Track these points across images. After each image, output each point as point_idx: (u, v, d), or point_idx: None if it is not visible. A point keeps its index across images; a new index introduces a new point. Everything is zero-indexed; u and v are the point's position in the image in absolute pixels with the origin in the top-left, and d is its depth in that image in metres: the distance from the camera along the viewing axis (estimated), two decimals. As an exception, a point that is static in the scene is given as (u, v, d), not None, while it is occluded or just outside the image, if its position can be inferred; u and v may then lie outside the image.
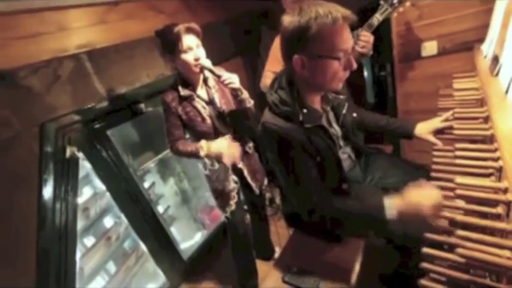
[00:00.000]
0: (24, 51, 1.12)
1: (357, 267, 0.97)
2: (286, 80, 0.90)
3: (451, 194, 0.67)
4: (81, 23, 1.30)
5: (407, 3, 1.29)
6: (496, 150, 0.72)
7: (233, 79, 1.19)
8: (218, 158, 1.24)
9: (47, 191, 1.20)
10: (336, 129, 1.07)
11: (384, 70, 1.84)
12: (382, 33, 1.56)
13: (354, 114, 1.11)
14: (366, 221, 0.88)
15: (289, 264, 1.05)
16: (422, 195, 0.75)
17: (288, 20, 0.79)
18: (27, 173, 1.15)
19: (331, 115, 1.05)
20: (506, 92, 0.79)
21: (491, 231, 0.61)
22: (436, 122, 1.06)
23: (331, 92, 1.00)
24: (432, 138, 1.05)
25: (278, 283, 1.00)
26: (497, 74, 0.91)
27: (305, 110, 0.88)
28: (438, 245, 0.65)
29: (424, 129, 1.08)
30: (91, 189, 1.63)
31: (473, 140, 0.88)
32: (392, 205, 0.80)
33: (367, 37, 1.32)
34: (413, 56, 1.61)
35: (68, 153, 1.26)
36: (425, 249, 0.61)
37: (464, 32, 1.45)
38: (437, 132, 1.05)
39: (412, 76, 1.67)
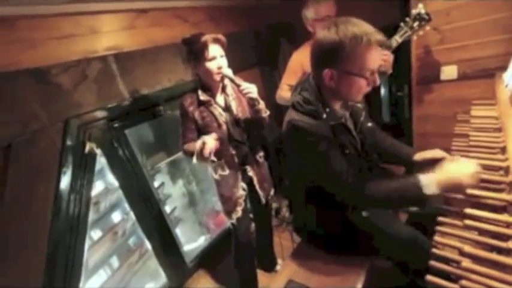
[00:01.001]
0: (57, 51, 1.20)
1: (359, 286, 0.96)
2: (311, 84, 0.95)
3: (460, 223, 0.66)
4: (111, 27, 1.38)
5: (427, 27, 1.29)
6: (511, 183, 0.70)
7: (251, 89, 1.23)
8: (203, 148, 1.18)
9: (64, 183, 1.26)
10: (355, 136, 1.07)
11: (401, 91, 1.83)
12: (401, 54, 1.56)
13: (369, 124, 1.13)
14: (405, 199, 0.86)
15: (291, 278, 1.05)
16: (460, 167, 0.78)
17: (324, 34, 0.84)
18: (48, 165, 1.21)
19: (350, 122, 1.07)
20: (525, 124, 0.78)
21: (502, 266, 0.60)
22: (436, 152, 1.00)
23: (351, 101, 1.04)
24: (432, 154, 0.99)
25: (278, 296, 1.00)
26: (517, 105, 0.90)
27: (328, 109, 0.94)
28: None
29: (422, 154, 1.02)
30: (103, 184, 1.68)
31: (487, 169, 0.86)
32: (430, 181, 0.79)
33: (387, 56, 1.33)
34: (432, 79, 1.60)
35: (87, 148, 1.32)
36: (429, 277, 0.61)
37: (486, 58, 1.43)
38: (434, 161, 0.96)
39: (429, 99, 1.66)
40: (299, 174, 1.07)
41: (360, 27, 0.80)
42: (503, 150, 0.90)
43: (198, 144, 1.21)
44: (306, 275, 1.04)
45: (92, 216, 1.52)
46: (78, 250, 1.34)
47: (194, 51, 1.20)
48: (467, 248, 0.57)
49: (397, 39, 1.30)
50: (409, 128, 1.81)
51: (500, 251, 0.63)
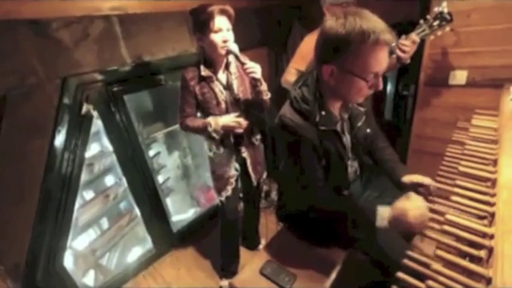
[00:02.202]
0: (59, 4, 1.16)
1: (334, 275, 1.00)
2: (313, 80, 0.91)
3: (437, 226, 0.67)
4: (118, -15, 1.32)
5: (448, 28, 1.23)
6: (494, 195, 0.72)
7: (256, 69, 1.20)
8: (226, 131, 1.28)
9: (59, 141, 1.27)
10: (347, 139, 1.07)
11: (407, 90, 1.80)
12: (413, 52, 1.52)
13: (368, 130, 1.09)
14: (358, 220, 0.92)
15: (270, 258, 1.09)
16: (409, 205, 0.79)
17: (331, 25, 0.77)
18: (43, 121, 1.21)
19: (346, 124, 1.05)
20: (521, 140, 0.78)
21: (470, 273, 0.62)
22: (424, 178, 0.98)
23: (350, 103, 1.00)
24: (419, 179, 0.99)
25: (255, 274, 1.04)
26: (517, 120, 0.89)
27: (323, 113, 0.90)
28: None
29: (410, 177, 1.00)
30: (99, 147, 1.69)
31: (475, 179, 0.87)
32: (383, 213, 0.84)
33: (409, 47, 1.24)
34: (440, 82, 1.56)
35: (84, 109, 1.31)
36: (400, 274, 0.63)
37: (497, 67, 1.40)
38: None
39: (433, 102, 1.63)
40: (285, 163, 1.08)
41: (370, 22, 0.72)
42: (495, 162, 0.91)
43: (231, 121, 1.26)
44: (284, 258, 1.08)
45: (85, 177, 1.55)
46: (69, 207, 1.37)
47: (200, 22, 1.15)
48: (440, 252, 0.59)
49: (414, 37, 1.24)
50: (407, 129, 1.80)
51: (472, 258, 0.66)
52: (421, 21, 1.26)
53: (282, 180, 1.24)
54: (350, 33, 0.73)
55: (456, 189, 0.77)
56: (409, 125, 1.78)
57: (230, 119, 1.28)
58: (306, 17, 2.21)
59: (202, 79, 1.27)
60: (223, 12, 1.15)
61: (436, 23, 1.24)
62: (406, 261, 0.66)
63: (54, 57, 1.18)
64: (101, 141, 1.69)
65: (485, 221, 0.74)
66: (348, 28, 0.73)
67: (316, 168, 0.95)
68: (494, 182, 0.82)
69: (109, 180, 1.82)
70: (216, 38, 1.16)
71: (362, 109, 1.05)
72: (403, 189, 0.97)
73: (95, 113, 1.38)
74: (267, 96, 1.30)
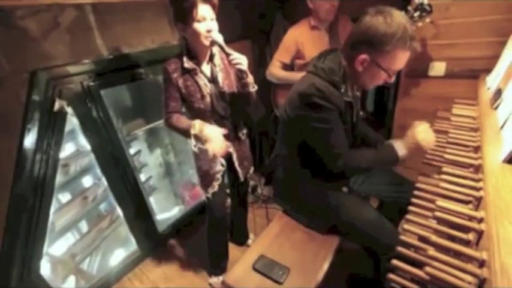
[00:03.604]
0: (24, -10, 1.05)
1: (326, 265, 1.01)
2: (338, 59, 0.99)
3: (429, 214, 0.69)
4: (91, -29, 1.23)
5: (427, 19, 1.27)
6: (479, 180, 0.74)
7: (242, 60, 1.16)
8: (205, 142, 1.22)
9: (29, 141, 1.17)
10: (354, 117, 1.13)
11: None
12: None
13: (361, 113, 1.22)
14: (383, 163, 1.06)
15: (262, 253, 1.07)
16: (418, 133, 0.97)
17: (377, 21, 0.85)
18: (10, 119, 1.10)
19: (354, 103, 1.11)
20: (502, 127, 0.81)
21: (457, 255, 0.64)
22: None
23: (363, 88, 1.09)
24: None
25: (248, 269, 1.02)
26: (496, 108, 0.93)
27: (344, 86, 0.99)
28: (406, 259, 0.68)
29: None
30: (74, 146, 1.59)
31: (460, 166, 0.90)
32: (400, 146, 1.00)
33: None
34: (420, 73, 1.61)
35: (56, 106, 1.21)
36: (395, 261, 0.64)
37: (473, 59, 1.46)
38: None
39: (414, 93, 1.68)
40: (295, 138, 1.11)
41: (408, 28, 0.84)
42: (476, 149, 0.95)
43: (204, 134, 1.20)
44: (276, 252, 1.07)
45: (60, 178, 1.45)
46: (43, 211, 1.28)
47: (182, 11, 1.09)
48: (434, 238, 0.60)
49: None
50: (390, 120, 1.85)
51: (457, 240, 0.68)
52: (403, 13, 1.29)
53: (284, 161, 1.23)
54: (394, 36, 0.83)
55: (443, 176, 0.79)
56: (391, 116, 1.82)
57: (215, 133, 1.22)
58: (288, 10, 2.20)
59: (185, 71, 1.21)
60: (206, 0, 1.10)
61: (417, 14, 1.27)
62: (400, 248, 0.66)
63: (20, 48, 1.08)
64: (77, 140, 1.59)
65: (471, 206, 0.76)
66: (394, 29, 0.83)
67: (342, 135, 1.01)
68: (477, 168, 0.85)
69: (87, 181, 1.72)
70: (199, 27, 1.11)
71: (358, 94, 1.13)
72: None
73: (69, 110, 1.28)
74: (253, 88, 1.27)
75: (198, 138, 1.22)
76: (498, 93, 0.96)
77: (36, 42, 1.12)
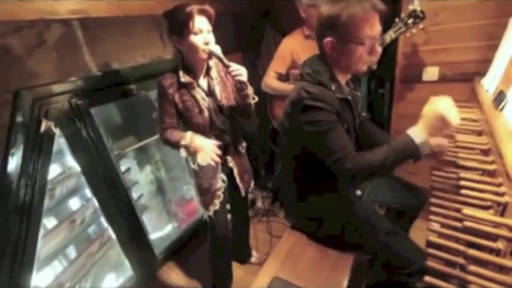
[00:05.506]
0: (6, 6, 0.98)
1: (345, 283, 0.95)
2: (320, 57, 0.98)
3: (457, 224, 0.65)
4: (78, -14, 1.18)
5: (421, 26, 1.29)
6: (500, 184, 0.72)
7: (242, 71, 1.12)
8: (195, 153, 1.15)
9: (12, 167, 1.07)
10: (355, 116, 1.08)
11: (382, 88, 1.85)
12: (387, 51, 1.56)
13: (364, 114, 1.17)
14: (401, 156, 0.87)
15: (275, 275, 1.00)
16: (438, 108, 0.85)
17: (323, 7, 0.89)
18: (-8, 143, 1.01)
19: (352, 101, 1.04)
20: (514, 128, 0.80)
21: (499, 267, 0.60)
22: None
23: (357, 74, 1.03)
24: None
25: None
26: (502, 109, 0.92)
27: (335, 83, 0.96)
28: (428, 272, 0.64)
29: None
30: (59, 168, 1.48)
31: (471, 170, 0.88)
32: (417, 132, 0.86)
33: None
34: (414, 78, 1.64)
35: (43, 127, 1.13)
36: (428, 278, 0.59)
37: (465, 63, 1.49)
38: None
39: (410, 98, 1.70)
40: (298, 150, 1.05)
41: None
42: (486, 152, 0.94)
43: (194, 145, 1.13)
44: (291, 272, 1.01)
45: (45, 203, 1.34)
46: (30, 241, 1.17)
47: (177, 24, 1.05)
48: (471, 252, 0.57)
49: (391, 35, 1.29)
50: (387, 124, 1.85)
51: (485, 249, 0.64)
52: (396, 20, 1.31)
53: (289, 178, 1.18)
54: (339, 9, 0.84)
55: (462, 182, 0.76)
56: (387, 121, 1.83)
57: (206, 144, 1.15)
58: (277, 21, 2.21)
59: (181, 86, 1.16)
60: (203, 12, 1.06)
61: (410, 20, 1.29)
62: (430, 263, 0.62)
63: (2, 67, 1.00)
64: (62, 161, 1.48)
65: (491, 211, 0.74)
66: (337, 5, 0.85)
67: (344, 135, 0.94)
68: (491, 172, 0.83)
69: (74, 203, 1.60)
70: (196, 40, 1.07)
71: (358, 93, 1.10)
72: None
73: (56, 131, 1.20)
74: (253, 100, 1.23)
75: (188, 149, 1.15)
76: (501, 94, 0.96)
77: (20, 60, 1.05)
